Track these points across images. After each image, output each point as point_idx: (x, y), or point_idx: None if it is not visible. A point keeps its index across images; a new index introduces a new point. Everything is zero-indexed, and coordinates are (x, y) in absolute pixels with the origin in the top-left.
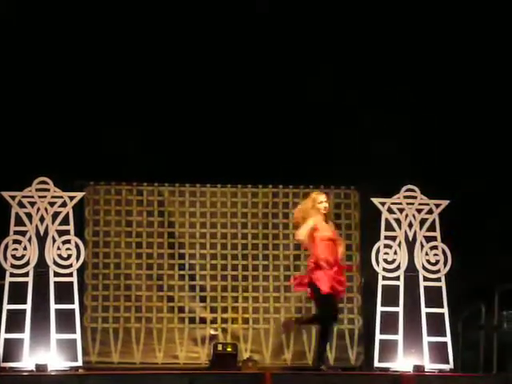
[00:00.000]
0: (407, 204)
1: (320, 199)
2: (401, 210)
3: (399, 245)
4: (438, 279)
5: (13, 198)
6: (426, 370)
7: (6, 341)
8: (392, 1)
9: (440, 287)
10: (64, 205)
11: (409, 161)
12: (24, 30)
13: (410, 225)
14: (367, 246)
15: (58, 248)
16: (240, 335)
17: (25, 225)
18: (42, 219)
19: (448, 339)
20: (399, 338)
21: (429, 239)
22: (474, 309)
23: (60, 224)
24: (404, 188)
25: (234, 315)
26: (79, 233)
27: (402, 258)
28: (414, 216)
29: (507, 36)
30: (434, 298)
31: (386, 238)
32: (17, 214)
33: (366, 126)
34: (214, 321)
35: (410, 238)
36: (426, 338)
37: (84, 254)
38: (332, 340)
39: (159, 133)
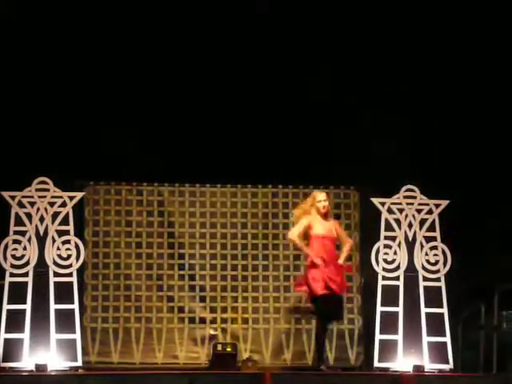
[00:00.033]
0: (407, 204)
1: (319, 198)
2: (400, 210)
3: (399, 245)
4: (438, 279)
5: (13, 198)
6: (425, 370)
7: (6, 341)
8: (392, 1)
9: (440, 287)
10: (64, 205)
11: (409, 161)
12: (24, 29)
13: (410, 225)
14: (367, 246)
15: (58, 248)
16: (240, 335)
17: (25, 225)
18: (41, 219)
19: (448, 339)
20: (399, 337)
21: (428, 239)
22: (473, 309)
23: (60, 224)
24: (404, 188)
25: (234, 315)
26: (79, 233)
27: (402, 258)
28: (413, 216)
29: (507, 36)
30: (433, 298)
31: (386, 238)
32: (17, 213)
33: (366, 126)
34: (213, 321)
35: (410, 238)
36: (426, 338)
37: (84, 254)
38: (326, 338)
39: (159, 133)
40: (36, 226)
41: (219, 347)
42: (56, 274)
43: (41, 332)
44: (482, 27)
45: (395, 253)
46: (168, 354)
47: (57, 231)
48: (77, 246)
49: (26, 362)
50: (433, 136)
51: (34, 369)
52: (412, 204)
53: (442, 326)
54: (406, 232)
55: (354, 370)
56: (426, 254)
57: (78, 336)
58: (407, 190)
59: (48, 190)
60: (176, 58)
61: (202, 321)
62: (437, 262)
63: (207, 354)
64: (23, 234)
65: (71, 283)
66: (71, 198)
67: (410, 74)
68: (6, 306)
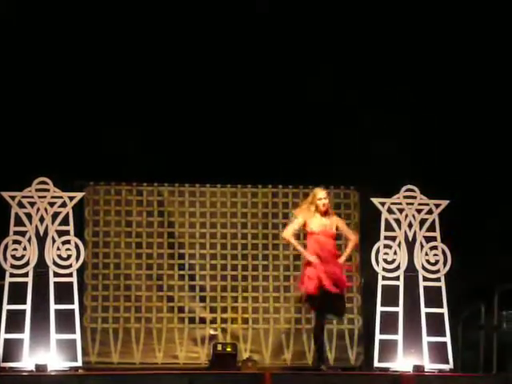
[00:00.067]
0: (407, 204)
1: (319, 195)
2: (400, 210)
3: (399, 245)
4: (438, 279)
5: (12, 198)
6: (425, 370)
7: (6, 341)
8: (392, 1)
9: (440, 287)
10: (64, 205)
11: (409, 161)
12: (24, 29)
13: (410, 225)
14: (367, 246)
15: (58, 248)
16: (240, 335)
17: (24, 225)
18: (41, 219)
19: (448, 339)
20: (399, 338)
21: (428, 239)
22: (473, 309)
23: (60, 224)
24: (404, 188)
25: (234, 315)
26: (79, 233)
27: (402, 258)
28: (413, 216)
29: (507, 36)
30: (433, 298)
31: (386, 238)
32: (16, 214)
33: (366, 126)
34: (213, 321)
35: (410, 238)
36: (426, 338)
37: (84, 254)
38: (324, 337)
39: (159, 133)
40: (36, 226)
41: (219, 347)
42: (56, 275)
43: (41, 332)
44: (482, 27)
45: (395, 253)
46: (168, 354)
47: (57, 231)
48: (77, 247)
49: (26, 362)
50: (433, 136)
51: (34, 369)
52: (412, 204)
53: (442, 326)
54: (406, 232)
55: (354, 370)
56: (426, 254)
57: (77, 336)
58: (407, 190)
59: (48, 191)
60: (176, 58)
61: (202, 321)
62: (437, 262)
63: (207, 354)
64: (23, 234)
65: (71, 283)
66: (71, 199)
67: (410, 74)
68: (6, 307)
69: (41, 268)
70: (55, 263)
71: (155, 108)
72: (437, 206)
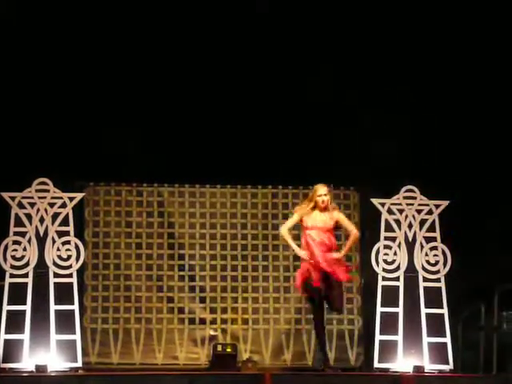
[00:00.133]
0: (407, 205)
1: (320, 192)
2: (400, 211)
3: (399, 245)
4: (438, 280)
5: (12, 198)
6: (425, 371)
7: (6, 341)
8: (392, 1)
9: (440, 288)
10: (64, 206)
11: (409, 161)
12: (24, 29)
13: (410, 225)
14: (367, 247)
15: (58, 249)
16: (240, 336)
17: (24, 226)
18: (41, 220)
19: (448, 340)
20: (399, 338)
21: (428, 240)
22: (473, 309)
23: (60, 225)
24: (404, 188)
25: (234, 316)
26: (79, 234)
27: (402, 259)
28: (413, 217)
29: (507, 36)
30: (433, 298)
31: (386, 238)
32: (16, 214)
33: (366, 126)
34: (213, 321)
35: (410, 239)
36: (426, 339)
37: (84, 254)
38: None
39: (159, 133)
40: (36, 226)
41: (219, 348)
42: (56, 275)
43: (41, 333)
44: (482, 27)
45: (395, 253)
46: (168, 354)
47: (57, 232)
48: (77, 247)
49: (26, 362)
50: (433, 136)
51: (34, 369)
52: (412, 204)
53: (441, 327)
54: (405, 232)
55: (353, 370)
56: (426, 255)
57: (78, 337)
58: (407, 191)
59: (48, 191)
60: (176, 59)
61: (202, 321)
62: (437, 263)
63: (207, 355)
64: (23, 234)
65: (71, 284)
66: (71, 199)
67: (410, 74)
68: (5, 307)
69: (41, 269)
70: (55, 264)
71: (155, 108)
72: (437, 206)
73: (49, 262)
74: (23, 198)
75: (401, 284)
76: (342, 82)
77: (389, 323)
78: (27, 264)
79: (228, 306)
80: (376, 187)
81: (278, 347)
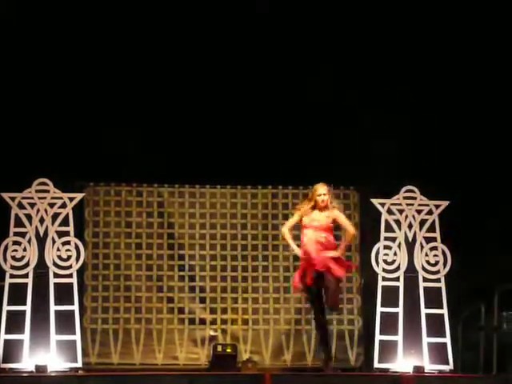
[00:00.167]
0: (407, 205)
1: (319, 192)
2: (400, 211)
3: (399, 246)
4: (438, 280)
5: (12, 199)
6: (425, 371)
7: (6, 342)
8: (392, 1)
9: (440, 288)
10: (64, 206)
11: (409, 161)
12: (24, 29)
13: (410, 225)
14: (367, 247)
15: (58, 249)
16: (240, 336)
17: (25, 226)
18: (41, 220)
19: (448, 340)
20: (399, 338)
21: (428, 240)
22: (473, 309)
23: (60, 225)
24: (404, 189)
25: (234, 316)
26: (79, 234)
27: (402, 259)
28: (413, 217)
29: (507, 36)
30: (433, 298)
31: (386, 238)
32: (16, 215)
33: (366, 126)
34: (213, 322)
35: (410, 239)
36: (426, 339)
37: (84, 255)
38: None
39: (159, 134)
40: (36, 227)
41: (219, 348)
42: (56, 275)
43: (41, 333)
44: (482, 27)
45: (395, 254)
46: (168, 354)
47: (57, 232)
48: (77, 247)
49: (26, 363)
50: (433, 136)
51: (34, 370)
52: (412, 205)
53: (441, 327)
54: (405, 233)
55: (353, 370)
56: (426, 255)
57: (78, 337)
58: (407, 191)
59: (48, 191)
60: (176, 59)
61: (202, 322)
62: (437, 263)
63: (207, 355)
64: (23, 235)
65: (71, 284)
66: (71, 199)
67: (410, 74)
68: (6, 307)
69: (41, 269)
70: (55, 264)
71: (155, 108)
72: (437, 206)
73: (49, 263)
74: (23, 198)
75: (401, 284)
76: (341, 82)
77: (389, 323)
78: (27, 264)
79: (228, 306)
80: (376, 187)
81: (278, 348)
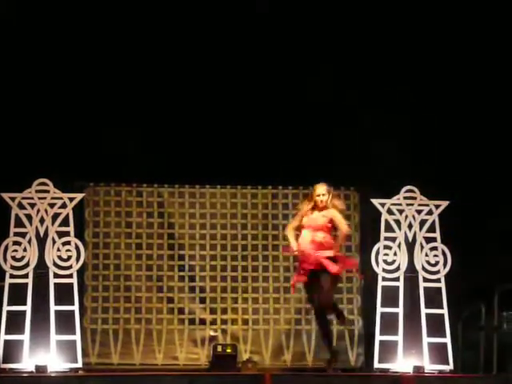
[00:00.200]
0: (407, 205)
1: (318, 191)
2: (400, 211)
3: (399, 246)
4: (438, 280)
5: (13, 199)
6: (425, 371)
7: (6, 342)
8: (392, 1)
9: (440, 288)
10: (64, 206)
11: (409, 161)
12: (24, 29)
13: (410, 226)
14: (367, 247)
15: (58, 249)
16: (240, 336)
17: (25, 226)
18: (41, 220)
19: (448, 340)
20: (399, 338)
21: (428, 240)
22: (473, 309)
23: (60, 225)
24: (404, 189)
25: (234, 316)
26: (79, 234)
27: (402, 259)
28: (413, 217)
29: (507, 36)
30: (433, 298)
31: (386, 239)
32: (17, 215)
33: (366, 126)
34: (213, 322)
35: (410, 239)
36: (426, 339)
37: (84, 255)
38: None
39: (159, 134)
40: (36, 227)
41: (219, 348)
42: (56, 276)
43: (41, 333)
44: (482, 27)
45: (395, 254)
46: (168, 355)
47: (57, 232)
48: (77, 248)
49: (26, 363)
50: (433, 136)
51: (34, 370)
52: (412, 205)
53: (442, 327)
54: (405, 233)
55: (354, 371)
56: (426, 255)
57: (78, 337)
58: (407, 191)
59: (48, 192)
60: (176, 59)
61: (202, 322)
62: (437, 263)
63: (207, 355)
64: (23, 235)
65: (71, 284)
66: (71, 200)
67: (410, 74)
68: (6, 308)
69: (41, 269)
70: (55, 264)
71: (155, 108)
72: (437, 206)
73: (49, 263)
74: (23, 198)
75: (401, 284)
76: (341, 82)
77: (389, 323)
78: (27, 264)
79: (228, 306)
80: (376, 187)
81: (278, 348)
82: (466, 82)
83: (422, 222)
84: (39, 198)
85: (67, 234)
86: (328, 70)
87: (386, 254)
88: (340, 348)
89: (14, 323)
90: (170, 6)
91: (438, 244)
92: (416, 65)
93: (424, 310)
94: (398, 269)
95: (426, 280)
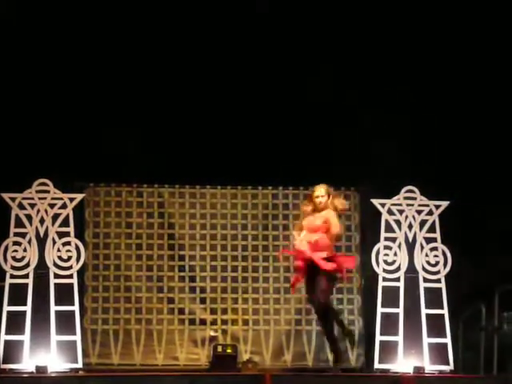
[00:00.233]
0: (407, 205)
1: (316, 193)
2: (401, 212)
3: (399, 246)
4: (438, 280)
5: (13, 199)
6: (426, 372)
7: (6, 342)
8: (392, 1)
9: (440, 288)
10: (64, 206)
11: (409, 161)
12: (24, 29)
13: (410, 226)
14: (367, 248)
15: (58, 250)
16: (240, 336)
17: (25, 226)
18: (42, 221)
19: (448, 340)
20: (399, 339)
21: (429, 240)
22: (474, 310)
23: (60, 226)
24: (404, 189)
25: (234, 316)
26: (79, 234)
27: (402, 260)
28: (413, 217)
29: (507, 36)
30: (434, 299)
31: (386, 239)
32: (17, 215)
33: (366, 126)
34: (213, 322)
35: (410, 239)
36: (426, 340)
37: (84, 255)
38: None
39: (159, 134)
40: (36, 227)
41: (219, 349)
42: (56, 276)
43: (41, 334)
44: (482, 27)
45: (395, 254)
46: (168, 355)
47: (57, 233)
48: (77, 248)
49: (27, 363)
50: (433, 136)
51: (34, 370)
52: (412, 205)
53: (442, 327)
54: (406, 233)
55: (354, 371)
56: (427, 255)
57: (78, 338)
58: (407, 191)
59: (48, 192)
60: (176, 59)
61: (203, 322)
62: (437, 263)
63: (207, 356)
64: (23, 235)
65: (71, 285)
66: (71, 200)
67: (410, 74)
68: (6, 308)
69: (41, 269)
70: (55, 265)
71: (155, 108)
72: (437, 206)
73: (49, 263)
74: (23, 198)
75: (401, 285)
76: (342, 82)
77: (389, 324)
78: (27, 265)
79: (228, 306)
80: (376, 187)
81: (279, 348)
82: (466, 82)
83: (423, 223)
84: (39, 199)
85: (67, 234)
86: (328, 69)
87: (386, 255)
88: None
89: (15, 323)
90: (170, 6)
91: (439, 244)
92: (416, 65)
93: (424, 311)
94: (398, 269)
95: (426, 280)
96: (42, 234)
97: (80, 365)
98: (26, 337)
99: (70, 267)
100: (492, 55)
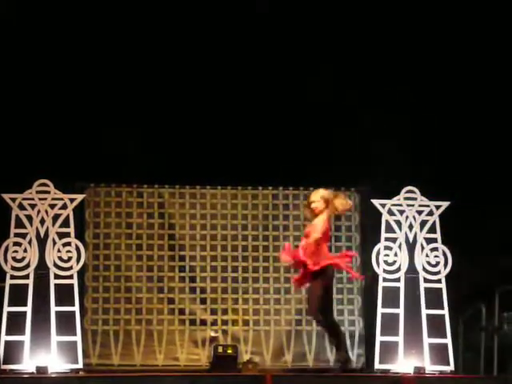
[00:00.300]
0: (407, 205)
1: (310, 199)
2: (401, 212)
3: (399, 246)
4: (439, 281)
5: (13, 200)
6: (426, 372)
7: (7, 343)
8: (392, 1)
9: (440, 289)
10: (64, 207)
11: (409, 161)
12: (24, 30)
13: (411, 226)
14: (367, 248)
15: (59, 250)
16: (240, 337)
17: (25, 227)
18: (42, 221)
19: (448, 341)
20: (400, 339)
21: (429, 241)
22: (474, 310)
23: (60, 226)
24: (404, 189)
25: (235, 317)
26: (80, 235)
27: (403, 260)
28: (414, 217)
29: (507, 36)
30: (434, 299)
31: (387, 239)
32: (17, 216)
33: (366, 126)
34: (214, 323)
35: (411, 240)
36: (427, 340)
37: (84, 256)
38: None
39: (159, 134)
40: (36, 228)
41: (220, 349)
42: (57, 276)
43: (41, 334)
44: (482, 27)
45: (396, 254)
46: (169, 356)
47: (57, 233)
48: (77, 248)
49: (27, 364)
50: (433, 136)
51: (34, 371)
52: (412, 205)
53: (442, 328)
54: (406, 233)
55: (354, 371)
56: (427, 256)
57: (78, 338)
58: (408, 192)
59: (49, 192)
60: (176, 59)
61: (203, 323)
62: (437, 264)
63: (208, 356)
64: (24, 236)
65: (72, 285)
66: (72, 200)
67: (410, 74)
68: (6, 309)
69: (41, 270)
70: (56, 265)
71: (155, 108)
72: (437, 207)
73: (49, 264)
74: (24, 199)
75: (401, 285)
76: (341, 82)
77: (389, 324)
78: (28, 265)
79: (229, 307)
80: (376, 188)
81: (279, 348)
82: (466, 82)
83: (423, 223)
84: (40, 199)
85: (68, 234)
86: (328, 69)
87: (386, 255)
88: None
89: (15, 324)
90: (170, 6)
91: (439, 245)
92: (416, 65)
93: (425, 311)
94: (398, 269)
95: (426, 281)
96: (42, 235)
97: (80, 365)
98: (26, 337)
99: (71, 268)
100: (492, 55)
